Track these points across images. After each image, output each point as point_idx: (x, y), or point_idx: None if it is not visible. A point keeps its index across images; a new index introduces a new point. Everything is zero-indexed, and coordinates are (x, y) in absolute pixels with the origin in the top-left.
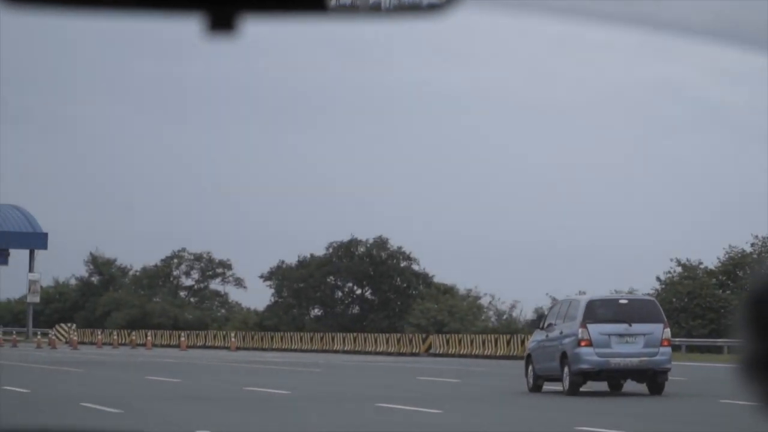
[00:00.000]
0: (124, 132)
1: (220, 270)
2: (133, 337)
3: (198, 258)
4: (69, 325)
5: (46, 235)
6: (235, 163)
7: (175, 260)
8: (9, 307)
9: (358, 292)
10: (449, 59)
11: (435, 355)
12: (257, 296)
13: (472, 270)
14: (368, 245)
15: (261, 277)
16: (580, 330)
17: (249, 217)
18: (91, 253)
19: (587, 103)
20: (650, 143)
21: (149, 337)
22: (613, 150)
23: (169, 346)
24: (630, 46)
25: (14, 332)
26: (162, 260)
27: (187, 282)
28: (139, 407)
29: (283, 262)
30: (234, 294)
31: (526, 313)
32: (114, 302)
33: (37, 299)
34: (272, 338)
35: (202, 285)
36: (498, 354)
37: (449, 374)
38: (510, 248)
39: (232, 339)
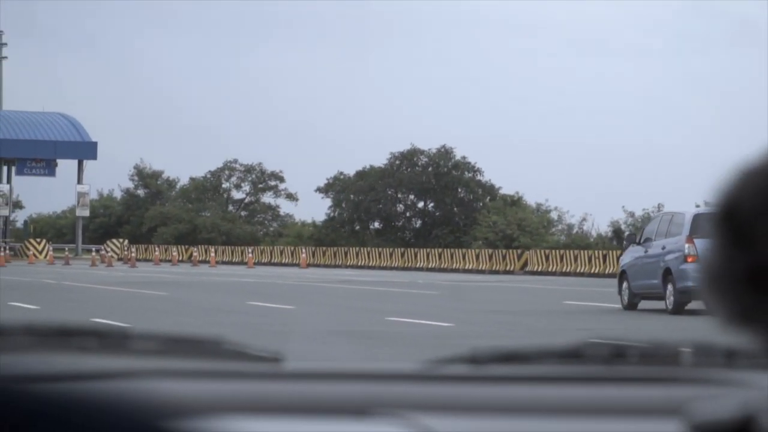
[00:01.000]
0: (171, 46)
1: (272, 182)
2: (195, 254)
3: (249, 169)
4: (121, 240)
5: (95, 144)
6: (287, 73)
7: (226, 172)
8: (51, 222)
9: (420, 205)
10: None
11: (532, 272)
12: (310, 210)
13: (536, 182)
14: (431, 155)
15: (317, 190)
16: (686, 245)
17: (301, 127)
18: (136, 165)
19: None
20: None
21: (212, 254)
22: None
23: (230, 263)
24: None
25: (66, 249)
26: (211, 172)
27: (238, 195)
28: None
29: (340, 173)
30: (285, 207)
31: (599, 227)
32: (161, 216)
33: (86, 213)
34: (337, 254)
35: (253, 198)
36: (597, 272)
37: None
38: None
39: (302, 255)
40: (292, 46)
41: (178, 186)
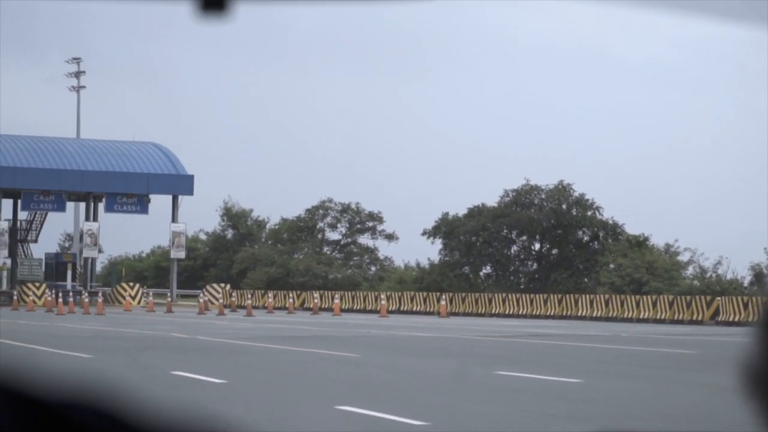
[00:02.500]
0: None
1: (370, 223)
2: (316, 301)
3: (345, 209)
4: (222, 285)
5: (191, 177)
6: (385, 110)
7: (320, 211)
8: (132, 265)
9: (536, 246)
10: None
11: (724, 323)
12: (410, 253)
13: (662, 220)
14: (548, 192)
15: (424, 233)
16: None
17: (400, 165)
18: (224, 203)
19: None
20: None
21: (337, 300)
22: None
23: (351, 310)
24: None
25: (169, 295)
26: (306, 211)
27: (333, 236)
28: None
29: (446, 213)
30: (384, 250)
31: (735, 270)
32: (251, 259)
33: (182, 254)
34: (479, 300)
35: (349, 239)
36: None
37: None
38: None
39: (442, 303)
40: (390, 82)
41: (267, 226)
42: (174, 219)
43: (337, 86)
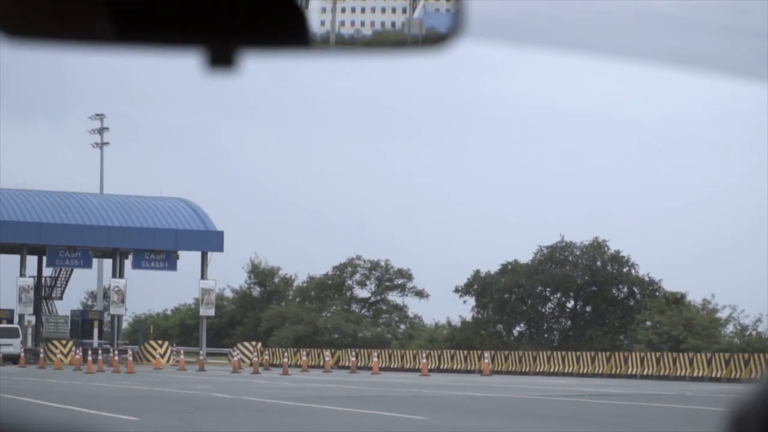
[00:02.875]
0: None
1: (399, 280)
2: (353, 359)
3: (374, 266)
4: (254, 343)
5: (221, 234)
6: (415, 166)
7: (349, 269)
8: (156, 322)
9: (570, 303)
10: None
11: None
12: (440, 311)
13: (696, 276)
14: (583, 248)
15: (456, 290)
16: None
17: (429, 222)
18: (251, 260)
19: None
20: None
21: (375, 359)
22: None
23: (386, 368)
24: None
25: (200, 353)
26: (334, 268)
27: (362, 293)
28: None
29: (478, 270)
30: (413, 308)
31: None
32: (279, 317)
33: (211, 312)
34: (524, 359)
35: (378, 297)
36: None
37: None
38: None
39: (486, 362)
40: (417, 140)
41: (295, 284)
42: (203, 276)
43: (363, 145)
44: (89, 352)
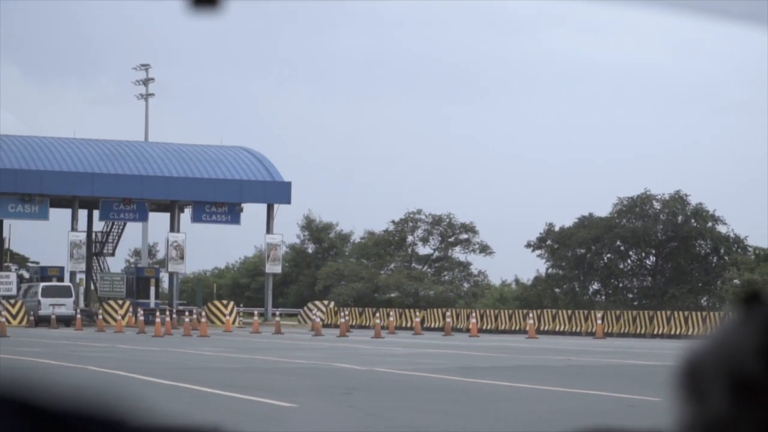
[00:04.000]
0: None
1: (463, 235)
2: (448, 320)
3: (437, 221)
4: (326, 302)
5: (288, 185)
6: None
7: (410, 224)
8: (204, 279)
9: (650, 260)
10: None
11: None
12: (506, 267)
13: None
14: (664, 201)
15: (528, 245)
16: None
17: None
18: (305, 216)
19: None
20: None
21: (473, 320)
22: None
23: (460, 329)
24: None
25: (256, 313)
26: (394, 223)
27: (423, 250)
28: None
29: (551, 224)
30: (478, 264)
31: None
32: (337, 275)
33: (278, 268)
34: (640, 319)
35: (441, 253)
36: None
37: None
38: None
39: (599, 322)
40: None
41: (351, 240)
42: (269, 230)
43: (425, 104)
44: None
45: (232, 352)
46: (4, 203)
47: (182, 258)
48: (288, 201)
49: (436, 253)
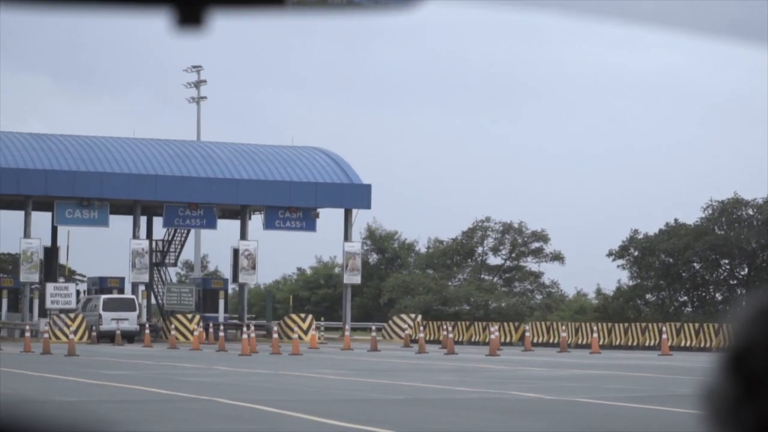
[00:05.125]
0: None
1: (534, 244)
2: (563, 335)
3: (507, 228)
4: (413, 316)
5: (368, 188)
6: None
7: (479, 232)
8: (257, 292)
9: (743, 270)
10: None
11: None
12: (580, 278)
13: None
14: (757, 206)
15: (609, 254)
16: None
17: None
18: (367, 225)
19: None
20: None
21: (595, 335)
22: None
23: (545, 344)
24: None
25: (372, 330)
26: (463, 232)
27: (493, 260)
28: None
29: (635, 231)
30: (549, 273)
31: None
32: (403, 286)
33: (357, 279)
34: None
35: (512, 263)
36: None
37: None
38: None
39: (664, 336)
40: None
41: (416, 250)
42: (347, 237)
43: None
44: (213, 328)
45: (355, 375)
46: (61, 208)
47: (254, 268)
48: (368, 206)
49: (507, 263)
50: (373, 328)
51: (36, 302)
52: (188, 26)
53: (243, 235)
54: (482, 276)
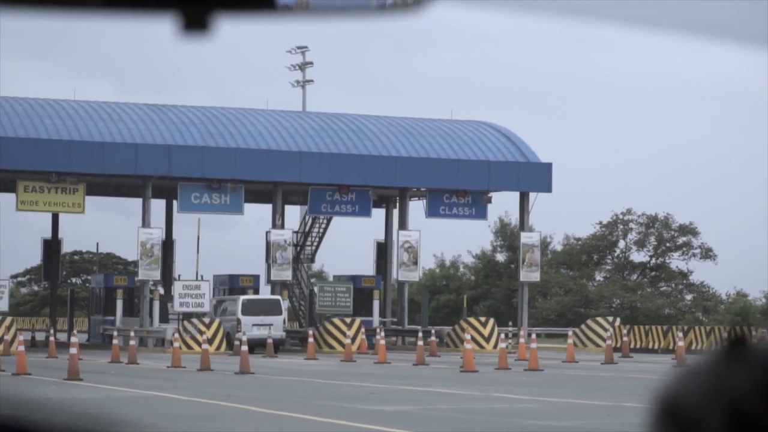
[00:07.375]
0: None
1: (682, 238)
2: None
3: (651, 221)
4: (611, 319)
5: (548, 167)
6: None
7: (620, 226)
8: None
9: None
10: None
11: None
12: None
13: None
14: None
15: None
16: None
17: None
18: (499, 218)
19: None
20: None
21: None
22: None
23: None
24: None
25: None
26: (602, 226)
27: (637, 256)
28: None
29: None
30: (698, 272)
31: None
32: (539, 286)
33: (535, 276)
34: None
35: (658, 260)
36: None
37: None
38: None
39: None
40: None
41: (550, 246)
42: (523, 226)
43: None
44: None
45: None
46: (185, 192)
47: (415, 263)
48: (548, 189)
49: (653, 260)
50: (570, 333)
51: (156, 304)
52: (194, 31)
53: (403, 224)
54: (625, 274)
